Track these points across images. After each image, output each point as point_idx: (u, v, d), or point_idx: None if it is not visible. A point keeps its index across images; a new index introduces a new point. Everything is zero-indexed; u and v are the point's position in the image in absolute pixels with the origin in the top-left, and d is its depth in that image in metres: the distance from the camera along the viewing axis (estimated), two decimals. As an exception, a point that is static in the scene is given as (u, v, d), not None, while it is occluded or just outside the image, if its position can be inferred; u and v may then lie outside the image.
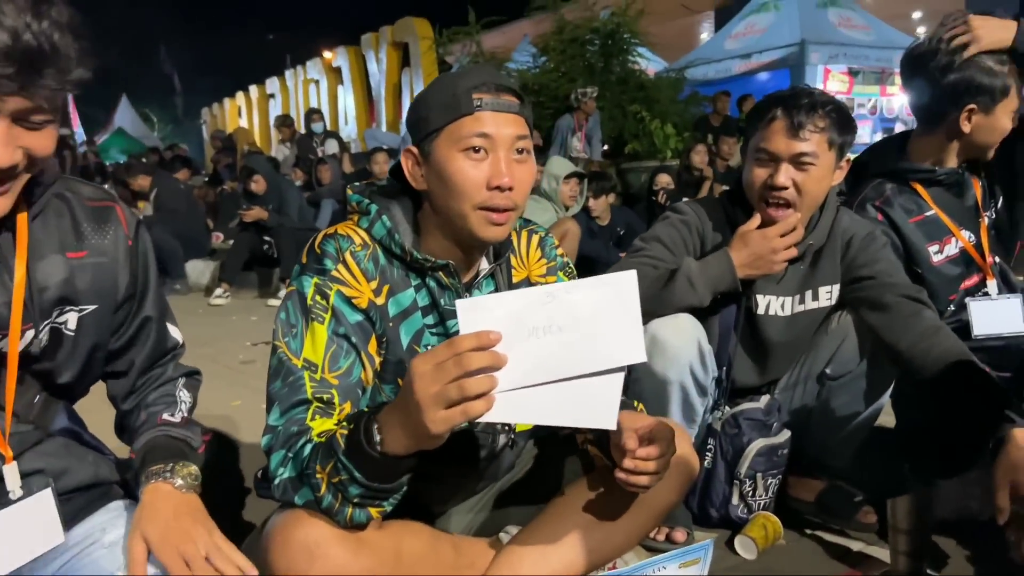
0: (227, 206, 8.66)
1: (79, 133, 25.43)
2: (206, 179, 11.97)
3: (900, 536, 1.54)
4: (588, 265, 5.73)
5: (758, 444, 1.93)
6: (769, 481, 1.96)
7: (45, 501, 1.20)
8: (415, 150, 1.33)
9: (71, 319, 1.24)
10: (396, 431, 1.05)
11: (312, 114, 11.00)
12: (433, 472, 1.40)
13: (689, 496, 1.98)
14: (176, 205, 7.73)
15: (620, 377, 1.07)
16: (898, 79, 13.37)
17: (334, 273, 1.29)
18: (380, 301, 1.33)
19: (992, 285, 2.16)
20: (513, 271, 1.47)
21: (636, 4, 10.14)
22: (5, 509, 1.16)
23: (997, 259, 2.21)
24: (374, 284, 1.33)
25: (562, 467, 1.56)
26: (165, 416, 1.35)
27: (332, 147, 10.08)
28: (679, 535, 1.90)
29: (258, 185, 6.80)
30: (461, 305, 1.01)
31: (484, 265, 1.42)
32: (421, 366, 1.01)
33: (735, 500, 1.97)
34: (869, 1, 17.08)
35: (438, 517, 1.55)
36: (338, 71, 19.41)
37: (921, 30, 19.18)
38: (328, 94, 19.90)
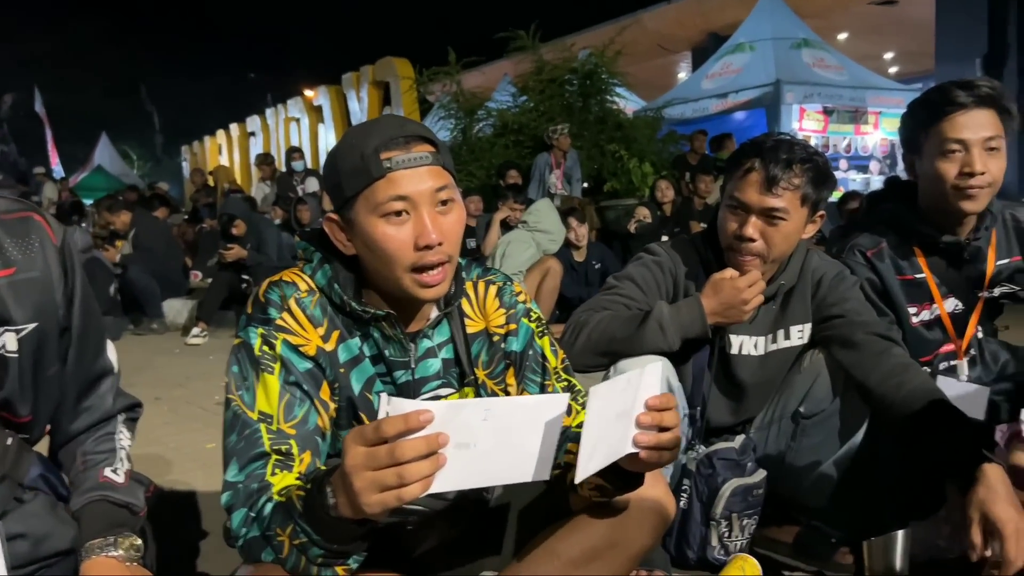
0: (206, 245, 8.63)
1: (58, 170, 25.34)
2: (185, 217, 11.92)
3: None
4: (568, 305, 5.78)
5: (733, 484, 1.92)
6: (745, 522, 1.95)
7: None
8: (336, 217, 1.30)
9: (9, 340, 1.20)
10: (343, 497, 1.01)
11: (292, 152, 11.02)
12: (397, 522, 1.38)
13: (666, 538, 1.96)
14: (154, 244, 7.68)
15: (557, 431, 1.06)
16: (871, 118, 13.69)
17: (279, 322, 1.27)
18: (329, 347, 1.31)
19: (962, 365, 2.12)
20: (469, 321, 1.44)
21: (614, 45, 10.31)
22: None
23: (980, 334, 2.16)
24: (321, 330, 1.31)
25: (537, 510, 1.54)
26: (107, 473, 1.31)
27: (312, 185, 10.08)
28: (657, 578, 1.88)
29: (239, 229, 6.82)
30: (394, 405, 0.96)
31: (434, 312, 1.40)
32: (352, 446, 0.97)
33: (712, 541, 1.95)
34: (841, 42, 17.50)
35: (415, 564, 1.52)
36: (319, 110, 19.56)
37: (893, 70, 19.62)
38: (309, 132, 20.03)
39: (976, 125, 1.88)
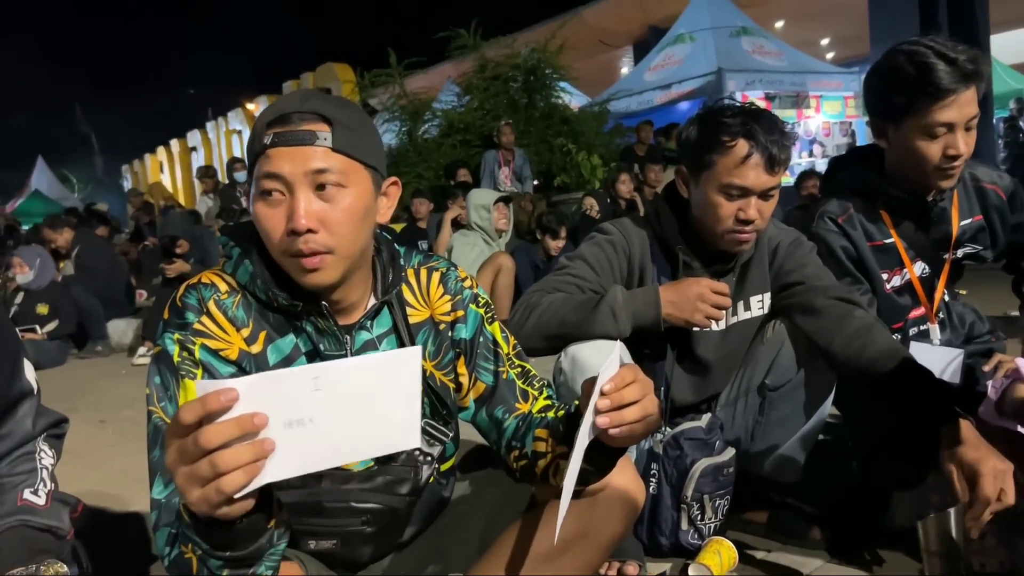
0: (149, 263, 8.40)
1: (-8, 196, 24.62)
2: (128, 236, 11.62)
3: (934, 559, 1.48)
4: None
5: (702, 464, 1.86)
6: (718, 503, 1.89)
7: None
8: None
9: None
10: None
11: (235, 163, 10.74)
12: (351, 522, 1.29)
13: (638, 526, 1.89)
14: (97, 263, 7.45)
15: (416, 388, 0.94)
16: (812, 101, 13.90)
17: (196, 326, 1.18)
18: (256, 349, 1.22)
19: (934, 329, 2.08)
20: (412, 311, 1.35)
21: (555, 40, 10.31)
22: None
23: (947, 297, 2.13)
24: (246, 332, 1.21)
25: (500, 505, 1.46)
26: (27, 495, 1.21)
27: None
28: (631, 569, 1.80)
29: (182, 248, 6.63)
30: (199, 387, 0.85)
31: (371, 302, 1.31)
32: (168, 441, 0.86)
33: (684, 525, 1.89)
34: (779, 30, 17.77)
35: (368, 571, 1.43)
36: (261, 121, 19.26)
37: (830, 55, 19.97)
38: (252, 144, 19.71)
39: (962, 105, 1.81)
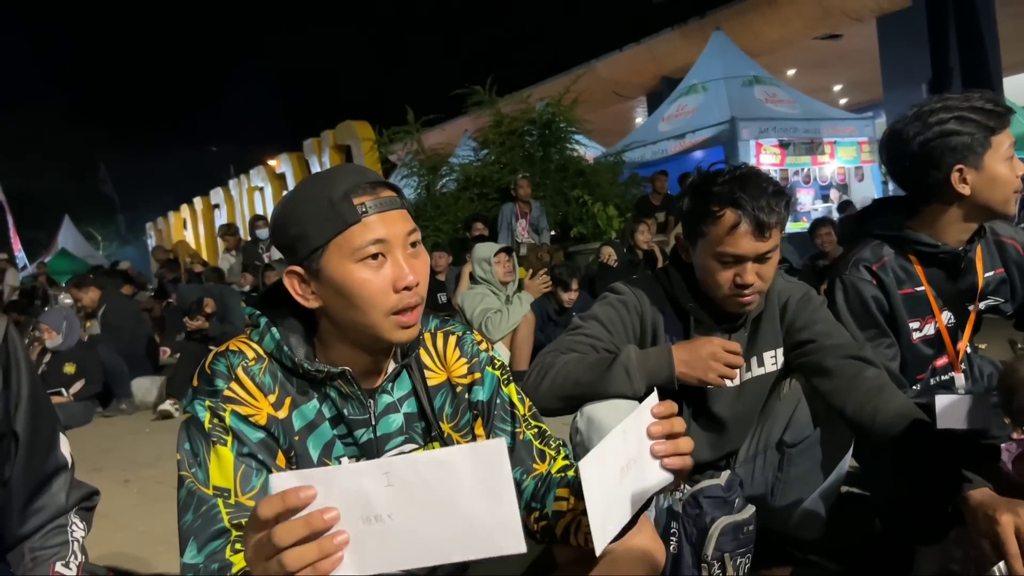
0: (173, 320, 8.50)
1: (20, 257, 25.06)
2: (152, 293, 11.77)
3: None
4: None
5: (722, 523, 1.86)
6: (739, 561, 1.88)
7: None
8: (299, 270, 1.25)
9: None
10: None
11: (256, 220, 10.91)
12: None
13: (658, 585, 1.88)
14: (123, 322, 7.54)
15: (508, 486, 0.87)
16: (827, 147, 13.95)
17: (227, 393, 1.23)
18: (282, 415, 1.26)
19: (959, 379, 2.09)
20: (429, 374, 1.40)
21: (569, 94, 10.48)
22: None
23: (970, 349, 2.14)
24: (272, 398, 1.26)
25: (521, 568, 1.47)
26: (58, 568, 1.24)
27: (278, 253, 9.97)
28: (651, 628, 1.80)
29: (210, 307, 6.72)
30: (275, 482, 0.85)
31: (392, 366, 1.36)
32: (247, 535, 0.89)
33: (706, 585, 1.88)
34: (791, 77, 17.90)
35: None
36: (282, 177, 19.58)
37: (843, 101, 20.07)
38: (273, 200, 20.05)
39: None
